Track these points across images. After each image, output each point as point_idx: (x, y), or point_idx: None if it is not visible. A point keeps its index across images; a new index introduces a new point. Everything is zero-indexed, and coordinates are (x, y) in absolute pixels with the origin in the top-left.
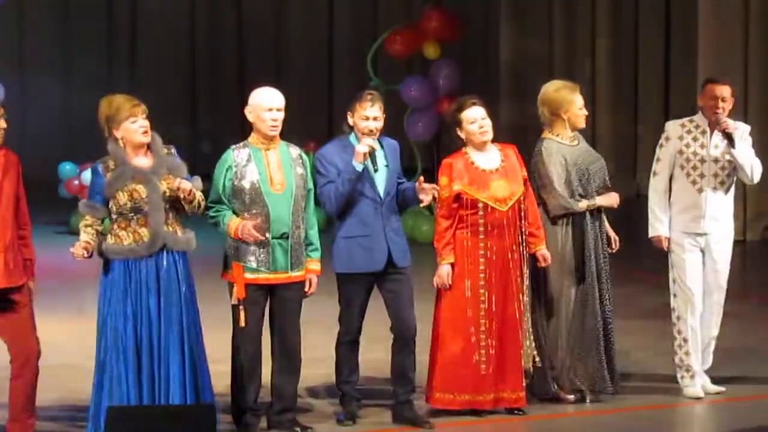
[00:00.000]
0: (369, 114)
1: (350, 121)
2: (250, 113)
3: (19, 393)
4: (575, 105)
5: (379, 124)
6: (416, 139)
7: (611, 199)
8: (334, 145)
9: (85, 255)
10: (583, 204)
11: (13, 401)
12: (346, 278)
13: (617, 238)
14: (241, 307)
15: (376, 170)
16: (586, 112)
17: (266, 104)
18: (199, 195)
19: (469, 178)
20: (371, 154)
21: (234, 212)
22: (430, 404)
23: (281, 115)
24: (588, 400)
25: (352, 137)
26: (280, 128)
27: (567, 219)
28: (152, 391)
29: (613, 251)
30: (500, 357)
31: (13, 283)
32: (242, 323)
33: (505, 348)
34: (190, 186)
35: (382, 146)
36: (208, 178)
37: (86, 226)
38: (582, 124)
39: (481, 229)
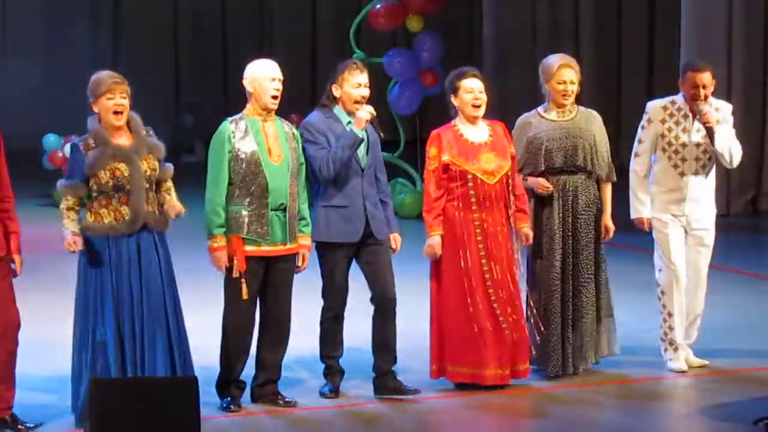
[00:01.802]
0: (360, 81)
1: (336, 92)
2: (249, 84)
3: None
4: (555, 78)
5: (368, 91)
6: (399, 111)
7: (535, 182)
8: (317, 114)
9: (81, 247)
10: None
11: None
12: (326, 248)
13: (610, 227)
14: (242, 279)
15: (381, 136)
16: (569, 89)
17: (269, 74)
18: (183, 207)
19: (458, 150)
20: (372, 121)
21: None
22: (436, 377)
23: (281, 87)
24: (550, 375)
25: (336, 109)
26: (279, 100)
27: (532, 196)
28: (134, 366)
29: (603, 240)
30: (499, 330)
31: None
32: (244, 296)
33: (508, 318)
34: (180, 208)
35: (377, 117)
36: (190, 151)
37: (68, 209)
38: (561, 100)
39: (473, 200)
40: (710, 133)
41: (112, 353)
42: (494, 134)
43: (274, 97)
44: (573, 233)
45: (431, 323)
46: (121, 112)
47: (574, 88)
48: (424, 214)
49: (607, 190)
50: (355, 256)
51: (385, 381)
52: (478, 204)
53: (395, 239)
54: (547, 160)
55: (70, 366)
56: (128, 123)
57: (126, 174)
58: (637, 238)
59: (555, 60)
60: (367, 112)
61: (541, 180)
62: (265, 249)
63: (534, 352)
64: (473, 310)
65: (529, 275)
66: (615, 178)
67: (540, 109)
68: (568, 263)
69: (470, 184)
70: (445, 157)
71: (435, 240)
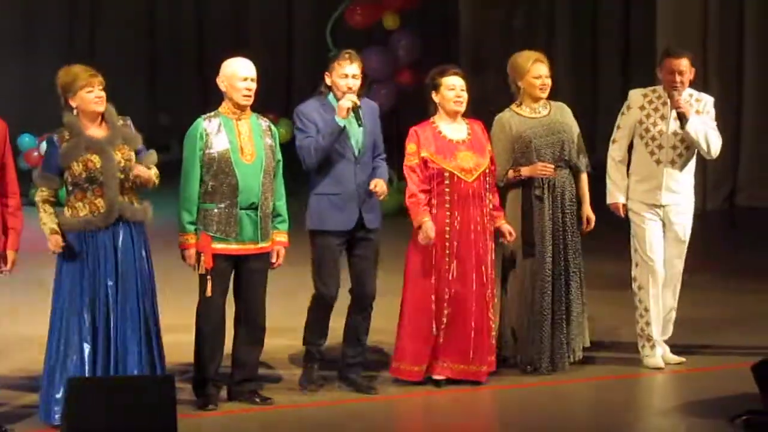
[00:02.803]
0: (348, 72)
1: (328, 81)
2: (222, 82)
3: None
4: (530, 73)
5: (358, 82)
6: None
7: (534, 169)
8: (312, 102)
9: (62, 245)
10: (510, 174)
11: None
12: (318, 236)
13: (591, 218)
14: (208, 276)
15: (360, 125)
16: (546, 82)
17: (240, 73)
18: (154, 174)
19: (436, 147)
20: (354, 110)
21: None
22: (391, 374)
23: (254, 85)
24: (543, 371)
25: (330, 97)
26: (252, 98)
27: (517, 192)
28: (107, 363)
29: (584, 232)
30: (460, 327)
31: None
32: (208, 293)
33: (468, 318)
34: (147, 173)
35: (360, 107)
36: (165, 149)
37: (43, 201)
38: (538, 94)
39: (447, 198)
40: (681, 117)
41: (86, 351)
42: (472, 132)
43: (246, 96)
44: (563, 228)
45: (399, 320)
46: (101, 101)
47: (549, 82)
48: (409, 204)
49: (585, 181)
50: (347, 244)
51: (348, 372)
52: (452, 203)
53: (377, 183)
54: (537, 157)
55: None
56: (102, 114)
57: (98, 166)
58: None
59: (527, 56)
60: (348, 100)
61: (539, 163)
62: (234, 247)
63: (507, 352)
64: (436, 308)
65: (508, 274)
66: (590, 168)
67: (514, 107)
68: (560, 258)
69: (447, 182)
70: (424, 153)
71: (428, 224)
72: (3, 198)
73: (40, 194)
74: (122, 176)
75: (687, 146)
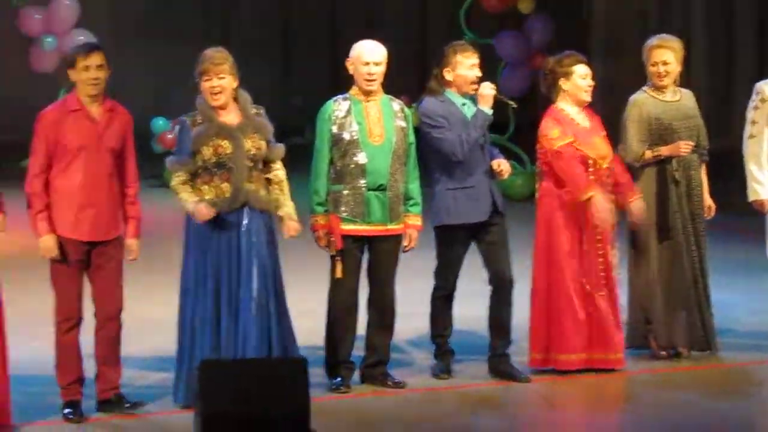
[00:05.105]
0: (474, 62)
1: (448, 76)
2: (350, 65)
3: (104, 345)
4: (650, 59)
5: (480, 73)
6: (509, 94)
7: (677, 147)
8: (431, 101)
9: (212, 213)
10: (648, 155)
11: (98, 353)
12: (447, 230)
13: (713, 206)
14: (337, 258)
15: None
16: (665, 69)
17: (363, 58)
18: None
19: (574, 134)
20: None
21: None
22: (533, 366)
23: (378, 69)
24: (683, 356)
25: (447, 92)
26: (377, 82)
27: (651, 175)
28: (233, 345)
29: (707, 218)
30: (600, 315)
31: (100, 238)
32: (338, 274)
33: (602, 305)
34: (295, 228)
35: (472, 99)
36: (298, 131)
37: (182, 183)
38: (656, 81)
39: None
40: None
41: (211, 334)
42: (592, 120)
43: (368, 81)
44: (692, 214)
45: (531, 309)
46: (219, 93)
47: (670, 69)
48: (575, 181)
49: (704, 170)
50: (475, 236)
51: (498, 363)
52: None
53: (500, 162)
54: (677, 139)
55: (176, 346)
56: (236, 100)
57: (228, 151)
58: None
59: (651, 41)
60: (490, 88)
61: (681, 141)
62: (363, 228)
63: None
64: (576, 295)
65: (640, 258)
66: (707, 158)
67: (648, 89)
68: (692, 244)
69: (591, 168)
70: (569, 139)
71: (599, 197)
72: (124, 188)
73: (178, 178)
74: (251, 164)
75: None
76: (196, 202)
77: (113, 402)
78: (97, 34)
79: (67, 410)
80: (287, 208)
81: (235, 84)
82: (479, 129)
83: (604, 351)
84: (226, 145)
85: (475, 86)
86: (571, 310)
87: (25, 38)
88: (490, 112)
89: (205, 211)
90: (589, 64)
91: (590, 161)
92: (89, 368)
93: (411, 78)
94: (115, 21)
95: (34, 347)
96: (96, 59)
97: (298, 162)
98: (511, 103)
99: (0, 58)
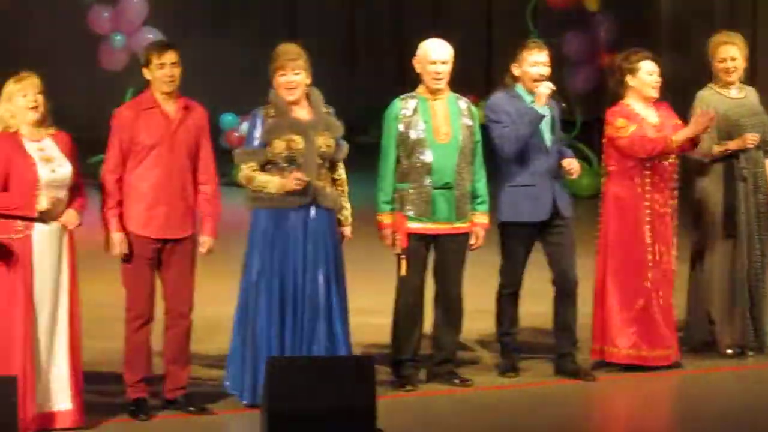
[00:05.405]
0: (538, 60)
1: (516, 71)
2: (417, 64)
3: (173, 344)
4: (716, 56)
5: (548, 70)
6: (575, 92)
7: (744, 140)
8: (501, 95)
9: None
10: (716, 149)
11: (167, 352)
12: (510, 228)
13: None
14: (402, 256)
15: (564, 106)
16: (732, 65)
17: (430, 56)
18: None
19: (638, 126)
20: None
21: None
22: (594, 358)
23: (445, 68)
24: (747, 355)
25: (518, 88)
26: (443, 81)
27: (718, 170)
28: (295, 343)
29: None
30: (653, 310)
31: (171, 235)
32: (403, 272)
33: (659, 300)
34: (349, 236)
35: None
36: (364, 130)
37: (254, 170)
38: (723, 77)
39: (648, 180)
40: None
41: (274, 332)
42: (661, 116)
43: (435, 80)
44: (757, 211)
45: (595, 303)
46: (294, 88)
47: (737, 65)
48: (654, 144)
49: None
50: (539, 235)
51: (564, 363)
52: (652, 185)
53: (570, 161)
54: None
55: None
56: (308, 97)
57: (300, 147)
58: None
59: (716, 38)
60: (546, 87)
61: (748, 135)
62: (429, 227)
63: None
64: (642, 291)
65: (704, 254)
66: None
67: (714, 85)
68: (755, 242)
69: (648, 164)
70: (633, 126)
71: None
72: (200, 184)
73: (249, 167)
74: (320, 161)
75: None
76: (279, 178)
77: (180, 402)
78: (165, 32)
79: (133, 408)
80: (346, 211)
81: (308, 81)
82: (528, 126)
83: (662, 348)
84: (298, 141)
85: (538, 84)
86: (629, 305)
87: (94, 36)
88: (542, 110)
89: (299, 176)
90: (656, 60)
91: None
92: (157, 367)
93: (476, 77)
94: (183, 19)
95: (99, 344)
96: (170, 57)
97: (364, 160)
98: (564, 105)
99: (69, 56)
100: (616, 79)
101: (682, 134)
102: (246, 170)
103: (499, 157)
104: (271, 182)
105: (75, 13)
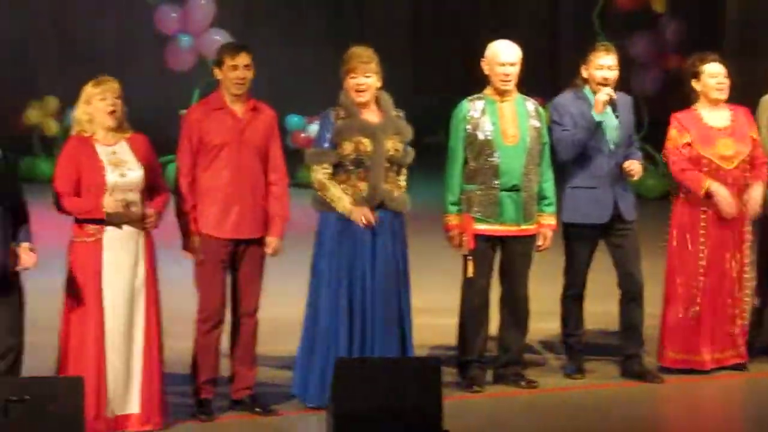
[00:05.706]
0: (603, 63)
1: (584, 73)
2: (485, 65)
3: (241, 344)
4: None
5: (614, 74)
6: (642, 94)
7: None
8: (568, 95)
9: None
10: None
11: (234, 353)
12: (572, 229)
13: None
14: (469, 257)
15: (617, 117)
16: None
17: (499, 58)
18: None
19: (696, 134)
20: (611, 103)
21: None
22: (659, 362)
23: (513, 70)
24: None
25: (586, 89)
26: (512, 82)
27: None
28: (362, 345)
29: None
30: (717, 314)
31: (243, 236)
32: (470, 274)
33: (724, 304)
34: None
35: (616, 99)
36: (429, 131)
37: (329, 178)
38: None
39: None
40: None
41: (343, 334)
42: (735, 120)
43: (503, 81)
44: None
45: (664, 307)
46: (365, 90)
47: None
48: (686, 175)
49: None
50: (603, 237)
51: (630, 365)
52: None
53: (632, 162)
54: None
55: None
56: (377, 101)
57: (369, 149)
58: None
59: None
60: (605, 94)
61: None
62: (496, 228)
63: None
64: (694, 295)
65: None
66: None
67: None
68: None
69: (705, 169)
70: (685, 139)
71: (715, 185)
72: (270, 184)
73: (323, 171)
74: (388, 165)
75: None
76: (350, 202)
77: (246, 402)
78: (233, 33)
79: (199, 408)
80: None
81: (379, 84)
82: (583, 132)
83: (729, 349)
84: (366, 143)
85: (601, 87)
86: (682, 308)
87: (162, 37)
88: (598, 117)
89: (368, 215)
90: (722, 61)
91: (704, 161)
92: (224, 368)
93: (543, 80)
94: (250, 20)
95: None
96: (243, 59)
97: (432, 161)
98: (616, 113)
99: (136, 56)
100: (686, 85)
101: (716, 192)
102: (320, 175)
103: (558, 158)
104: (341, 202)
105: (142, 14)
